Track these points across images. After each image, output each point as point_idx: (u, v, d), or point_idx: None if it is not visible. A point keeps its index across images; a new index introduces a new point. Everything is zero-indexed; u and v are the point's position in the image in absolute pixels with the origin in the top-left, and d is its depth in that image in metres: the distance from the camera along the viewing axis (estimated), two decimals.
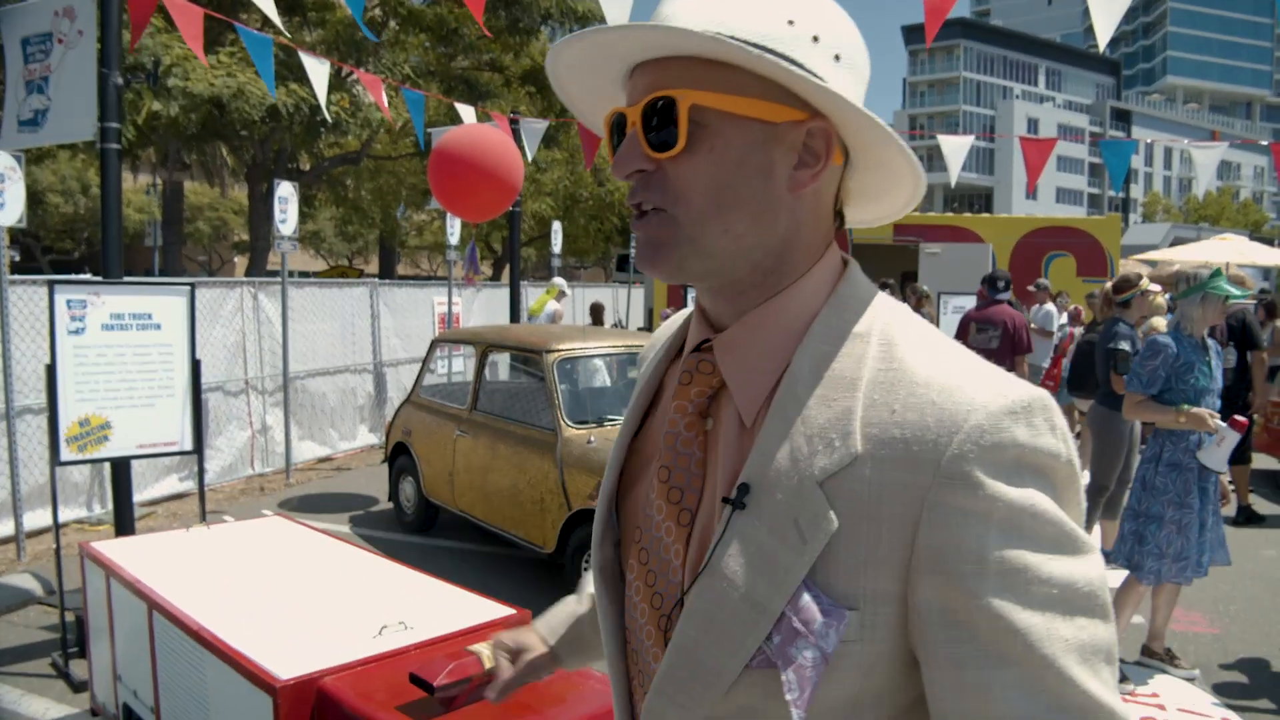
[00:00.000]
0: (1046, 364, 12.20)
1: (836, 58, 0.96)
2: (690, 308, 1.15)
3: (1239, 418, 4.53)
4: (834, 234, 1.04)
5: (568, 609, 1.52)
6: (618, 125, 1.01)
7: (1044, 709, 0.84)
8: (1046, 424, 0.88)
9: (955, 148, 9.88)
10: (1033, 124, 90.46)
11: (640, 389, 1.18)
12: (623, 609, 1.12)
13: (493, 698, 1.53)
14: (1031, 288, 12.65)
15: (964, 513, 0.85)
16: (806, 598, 0.88)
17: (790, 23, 0.94)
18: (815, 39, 0.95)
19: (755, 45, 0.90)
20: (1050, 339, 12.21)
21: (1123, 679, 4.86)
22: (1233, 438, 4.52)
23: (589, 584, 1.47)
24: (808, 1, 0.96)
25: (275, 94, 7.80)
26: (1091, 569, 0.87)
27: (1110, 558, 4.94)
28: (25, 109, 6.12)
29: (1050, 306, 12.45)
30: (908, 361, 0.92)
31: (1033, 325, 12.34)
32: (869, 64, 1.02)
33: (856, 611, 0.88)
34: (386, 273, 29.06)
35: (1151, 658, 5.09)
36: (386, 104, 8.70)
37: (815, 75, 0.93)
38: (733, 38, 0.90)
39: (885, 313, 0.99)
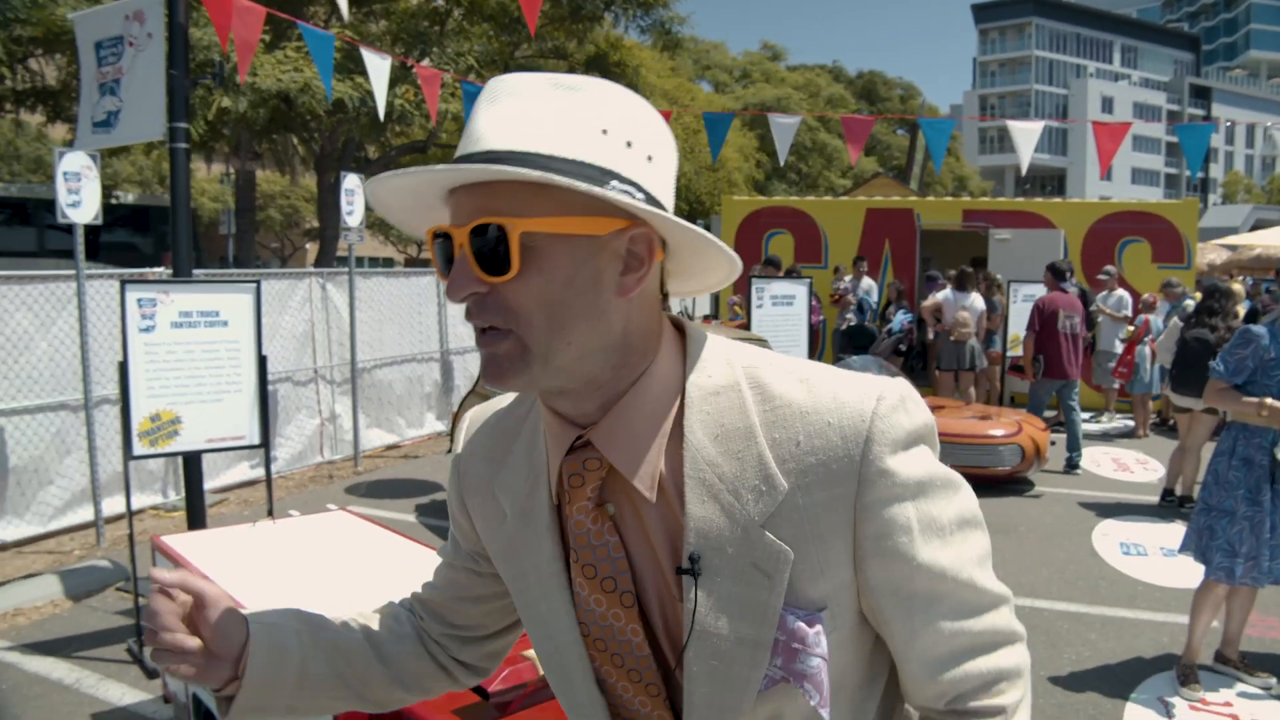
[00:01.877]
0: (1119, 350, 11.94)
1: (649, 158, 1.02)
2: (506, 411, 1.25)
3: None
4: (661, 314, 1.10)
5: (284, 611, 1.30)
6: (442, 241, 1.03)
7: (967, 612, 1.07)
8: (915, 404, 1.06)
9: (1026, 133, 9.67)
10: (1107, 103, 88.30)
11: (540, 531, 1.15)
12: (610, 704, 1.17)
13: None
14: (1101, 275, 12.38)
15: (887, 500, 1.01)
16: (790, 619, 1.02)
17: (604, 132, 0.99)
18: (629, 144, 1.00)
19: (574, 161, 0.96)
20: (1123, 325, 11.94)
21: (1192, 682, 4.74)
22: None
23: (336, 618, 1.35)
24: (616, 108, 1.01)
25: (331, 92, 7.86)
26: (966, 495, 1.09)
27: (1181, 548, 4.83)
28: (98, 111, 6.26)
29: (1122, 292, 12.17)
30: (784, 396, 1.04)
31: (1105, 311, 12.08)
32: (675, 153, 1.08)
33: (826, 610, 1.04)
34: None
35: (1225, 664, 4.94)
36: (442, 98, 8.75)
37: (632, 182, 0.99)
38: (553, 155, 0.95)
39: (736, 358, 1.09)
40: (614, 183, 0.97)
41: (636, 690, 1.13)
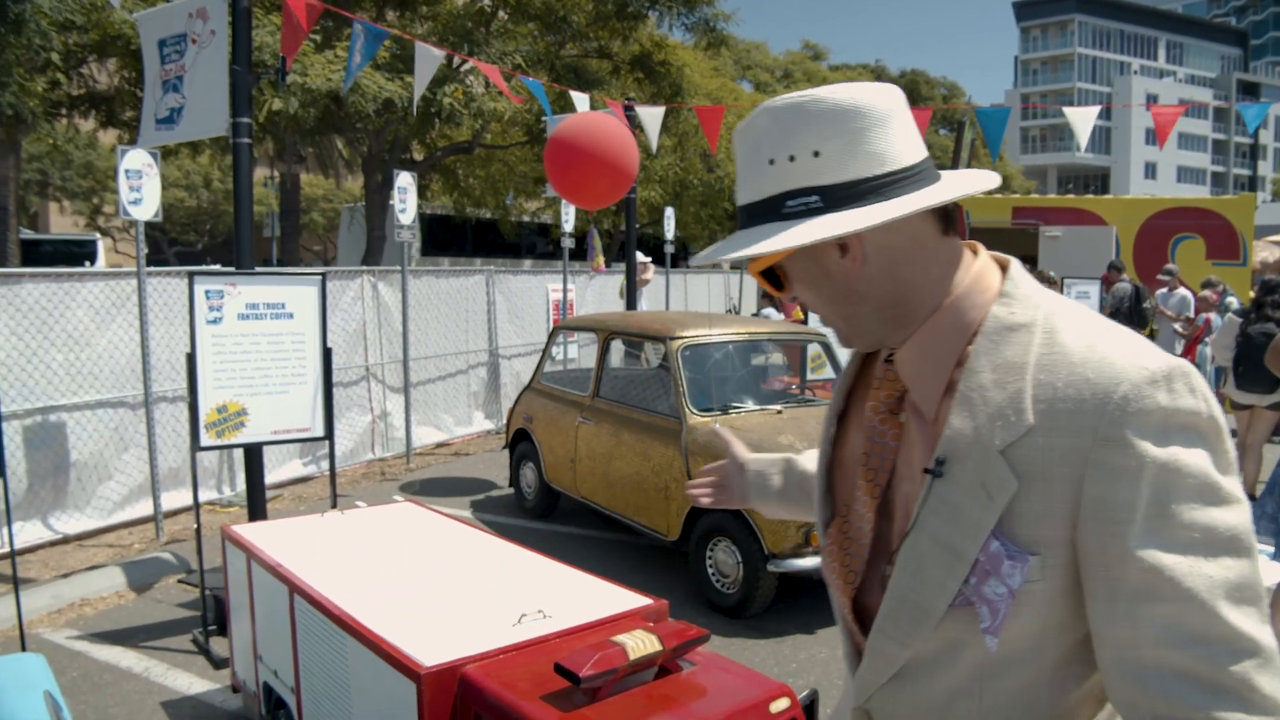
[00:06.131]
0: (1178, 350, 11.74)
1: (816, 154, 1.15)
2: None
3: None
4: (953, 244, 1.22)
5: (780, 456, 1.87)
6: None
7: (1187, 639, 1.00)
8: (1185, 388, 1.04)
9: (1081, 118, 9.58)
10: (1152, 100, 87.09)
11: (840, 384, 1.45)
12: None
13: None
14: (1162, 275, 12.17)
15: (1118, 470, 1.03)
16: (995, 545, 1.09)
17: (771, 162, 1.18)
18: (791, 158, 1.16)
19: (758, 203, 1.20)
20: (1184, 324, 11.70)
21: None
22: None
23: (806, 463, 1.79)
24: (775, 132, 1.17)
25: (348, 84, 7.89)
26: (1233, 515, 1.02)
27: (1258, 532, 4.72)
28: (162, 107, 6.31)
29: (1184, 292, 11.96)
30: (1066, 345, 1.11)
31: (1167, 311, 11.89)
32: (861, 104, 1.15)
33: (1037, 556, 1.08)
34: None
35: None
36: (493, 91, 8.77)
37: (803, 190, 1.16)
38: (747, 205, 1.22)
39: (1047, 305, 1.17)
40: (789, 203, 1.17)
41: (841, 572, 1.31)
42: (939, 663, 1.17)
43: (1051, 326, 1.13)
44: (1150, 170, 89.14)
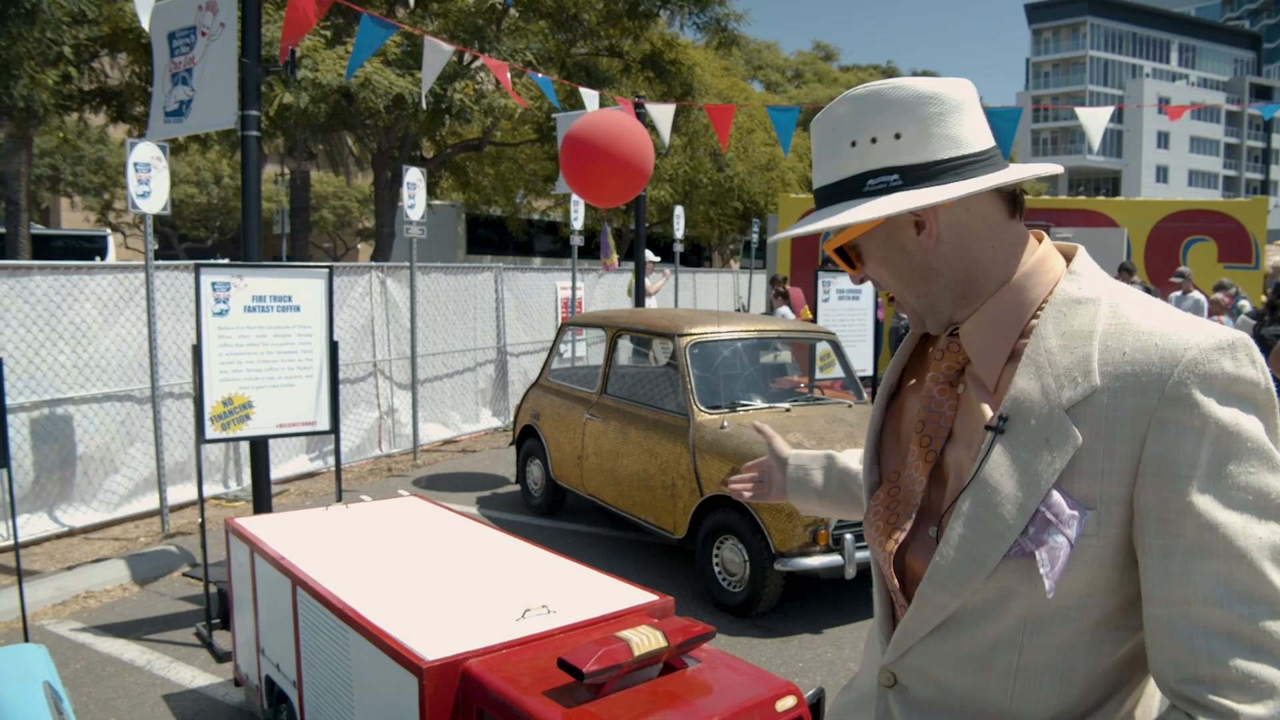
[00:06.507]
0: None
1: (897, 136, 1.23)
2: None
3: None
4: (1019, 228, 1.30)
5: (821, 453, 1.94)
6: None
7: (1235, 597, 1.06)
8: (1248, 359, 1.11)
9: (1093, 119, 9.54)
10: (1164, 104, 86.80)
11: (897, 358, 1.52)
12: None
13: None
14: (1175, 278, 12.07)
15: (1182, 427, 1.09)
16: (1056, 496, 1.14)
17: (853, 144, 1.26)
18: (873, 140, 1.24)
19: (839, 182, 1.28)
20: None
21: None
22: None
23: (847, 460, 1.88)
24: (857, 117, 1.26)
25: (350, 73, 7.88)
26: None
27: None
28: (171, 100, 6.30)
29: (1198, 295, 11.86)
30: (1132, 317, 1.18)
31: None
32: (941, 93, 1.25)
33: (1094, 511, 1.14)
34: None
35: None
36: (511, 87, 8.75)
37: (884, 169, 1.24)
38: (827, 185, 1.30)
39: (1111, 285, 1.25)
40: (870, 181, 1.25)
41: (885, 529, 1.37)
42: (985, 613, 1.22)
43: (1116, 301, 1.21)
44: (1162, 174, 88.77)
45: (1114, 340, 1.16)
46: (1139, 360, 1.13)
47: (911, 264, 1.29)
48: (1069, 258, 1.31)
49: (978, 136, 1.25)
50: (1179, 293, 11.96)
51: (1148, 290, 11.89)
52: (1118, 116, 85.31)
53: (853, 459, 1.86)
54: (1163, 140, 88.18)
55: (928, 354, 1.45)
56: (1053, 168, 1.25)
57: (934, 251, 1.27)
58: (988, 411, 1.26)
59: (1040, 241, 1.32)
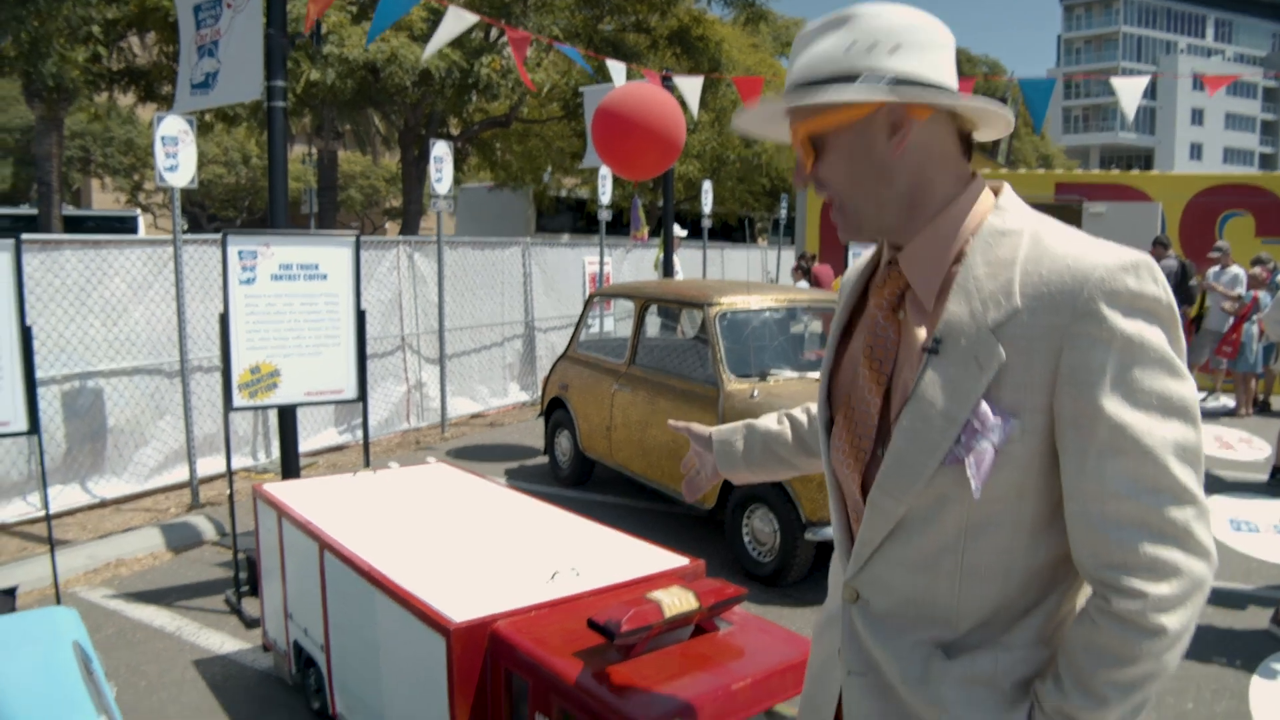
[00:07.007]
0: (1225, 329, 11.46)
1: (893, 49, 1.33)
2: (873, 248, 1.60)
3: None
4: (967, 166, 1.42)
5: (740, 423, 2.04)
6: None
7: (1142, 489, 1.21)
8: (1150, 277, 1.24)
9: (1128, 89, 9.35)
10: (1198, 81, 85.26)
11: (844, 299, 1.62)
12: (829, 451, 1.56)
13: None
14: (1214, 252, 11.83)
15: (1092, 339, 1.22)
16: (984, 407, 1.27)
17: (848, 48, 1.35)
18: (870, 47, 1.34)
19: (830, 77, 1.35)
20: (1232, 302, 11.36)
21: None
22: None
23: (766, 423, 1.99)
24: (865, 25, 1.35)
25: (370, 40, 7.81)
26: (1185, 388, 1.23)
27: None
28: (197, 73, 6.28)
29: (1236, 269, 11.64)
30: (1049, 244, 1.30)
31: (1218, 287, 11.58)
32: (936, 27, 1.37)
33: (1018, 419, 1.26)
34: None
35: None
36: (529, 64, 8.67)
37: (877, 71, 1.33)
38: (815, 79, 1.36)
39: (1033, 218, 1.37)
40: (865, 75, 1.33)
41: (852, 453, 1.47)
42: (929, 519, 1.35)
43: (1037, 231, 1.33)
44: (1196, 151, 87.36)
45: (1033, 265, 1.29)
46: (1054, 282, 1.25)
47: (873, 165, 1.37)
48: (997, 194, 1.42)
49: (954, 81, 1.39)
50: (1217, 267, 11.74)
51: (1182, 266, 11.70)
52: (1151, 93, 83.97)
53: (770, 421, 1.98)
54: (1197, 117, 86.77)
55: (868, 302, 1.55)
56: (1008, 112, 1.39)
57: (898, 160, 1.36)
58: (925, 336, 1.38)
59: (976, 179, 1.43)
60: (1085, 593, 1.39)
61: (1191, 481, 1.23)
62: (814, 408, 1.92)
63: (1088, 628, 1.28)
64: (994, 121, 1.43)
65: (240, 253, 4.87)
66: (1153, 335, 1.22)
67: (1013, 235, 1.34)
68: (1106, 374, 1.21)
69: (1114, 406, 1.21)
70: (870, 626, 1.45)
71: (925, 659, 1.39)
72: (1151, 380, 1.22)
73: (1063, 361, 1.23)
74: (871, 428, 1.44)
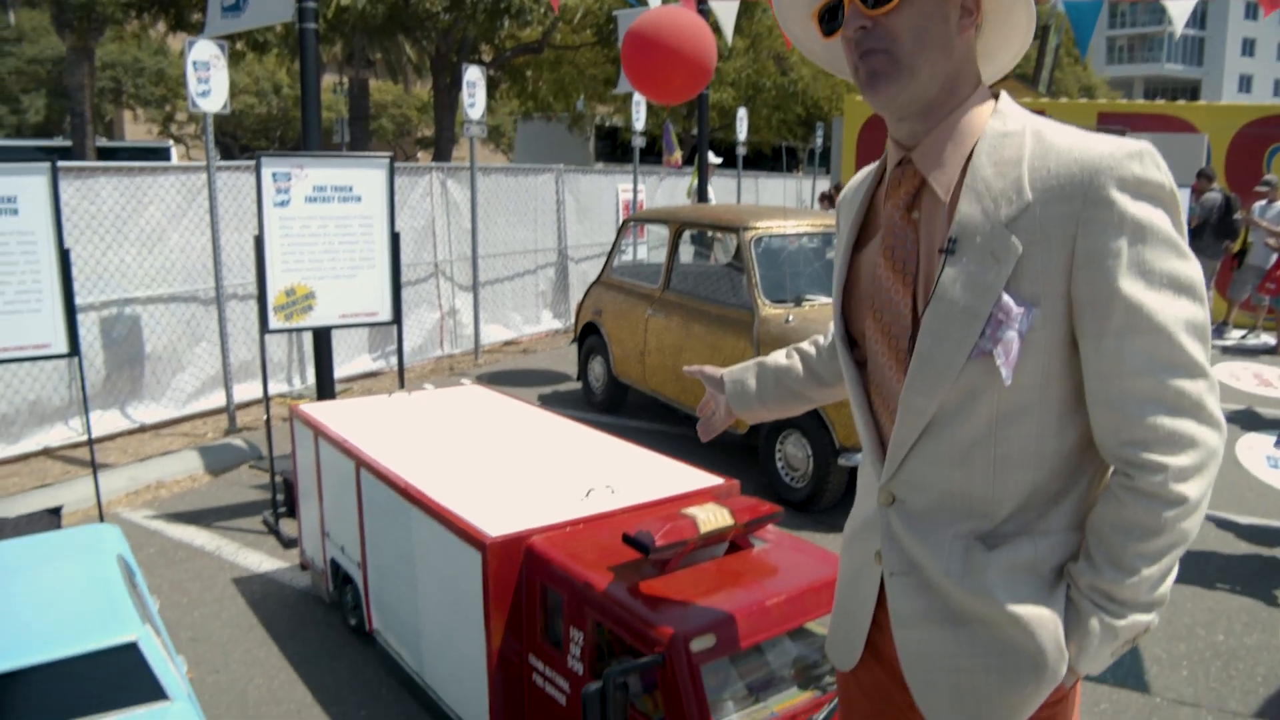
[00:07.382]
0: (1270, 265, 11.20)
1: None
2: (873, 165, 1.64)
3: None
4: (980, 79, 1.48)
5: (751, 361, 2.08)
6: (828, 10, 1.48)
7: (1158, 366, 1.28)
8: (1153, 163, 1.30)
9: (1179, 4, 9.04)
10: (1251, 9, 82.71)
11: (851, 213, 1.63)
12: (861, 361, 1.58)
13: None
14: (1261, 186, 11.49)
15: (1104, 224, 1.28)
16: (1005, 298, 1.32)
17: None
18: None
19: None
20: (1278, 238, 11.06)
21: None
22: None
23: (776, 359, 2.02)
24: None
25: None
26: (1191, 268, 1.30)
27: None
28: None
29: None
30: (1052, 139, 1.35)
31: (1262, 223, 11.29)
32: None
33: (1038, 307, 1.32)
34: None
35: None
36: None
37: None
38: None
39: (1031, 117, 1.41)
40: None
41: (889, 355, 1.49)
42: (960, 413, 1.39)
43: (1038, 129, 1.38)
44: (1245, 84, 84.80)
45: (1039, 160, 1.34)
46: (1063, 173, 1.31)
47: (943, 34, 1.39)
48: (996, 96, 1.49)
49: None
50: (1264, 201, 11.42)
51: (1227, 200, 11.41)
52: (1200, 21, 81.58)
53: (779, 356, 2.02)
54: (1248, 47, 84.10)
55: (878, 212, 1.58)
56: (1025, 45, 1.48)
57: (961, 39, 1.41)
58: (940, 236, 1.42)
59: (984, 89, 1.49)
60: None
61: (1201, 356, 1.29)
62: (821, 340, 1.97)
63: (1114, 505, 1.34)
64: (1006, 50, 1.51)
65: (275, 174, 4.85)
66: (1159, 218, 1.28)
67: (1015, 136, 1.39)
68: (1121, 257, 1.27)
69: (1129, 287, 1.27)
70: (909, 526, 1.47)
71: (965, 551, 1.42)
72: (1162, 261, 1.28)
73: (1078, 247, 1.29)
74: (906, 328, 1.46)
